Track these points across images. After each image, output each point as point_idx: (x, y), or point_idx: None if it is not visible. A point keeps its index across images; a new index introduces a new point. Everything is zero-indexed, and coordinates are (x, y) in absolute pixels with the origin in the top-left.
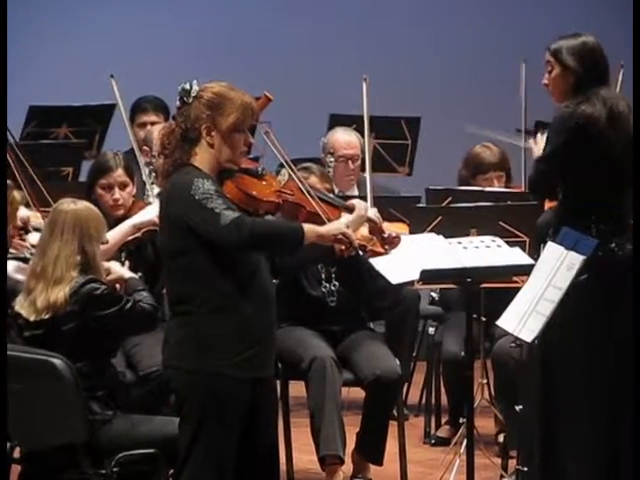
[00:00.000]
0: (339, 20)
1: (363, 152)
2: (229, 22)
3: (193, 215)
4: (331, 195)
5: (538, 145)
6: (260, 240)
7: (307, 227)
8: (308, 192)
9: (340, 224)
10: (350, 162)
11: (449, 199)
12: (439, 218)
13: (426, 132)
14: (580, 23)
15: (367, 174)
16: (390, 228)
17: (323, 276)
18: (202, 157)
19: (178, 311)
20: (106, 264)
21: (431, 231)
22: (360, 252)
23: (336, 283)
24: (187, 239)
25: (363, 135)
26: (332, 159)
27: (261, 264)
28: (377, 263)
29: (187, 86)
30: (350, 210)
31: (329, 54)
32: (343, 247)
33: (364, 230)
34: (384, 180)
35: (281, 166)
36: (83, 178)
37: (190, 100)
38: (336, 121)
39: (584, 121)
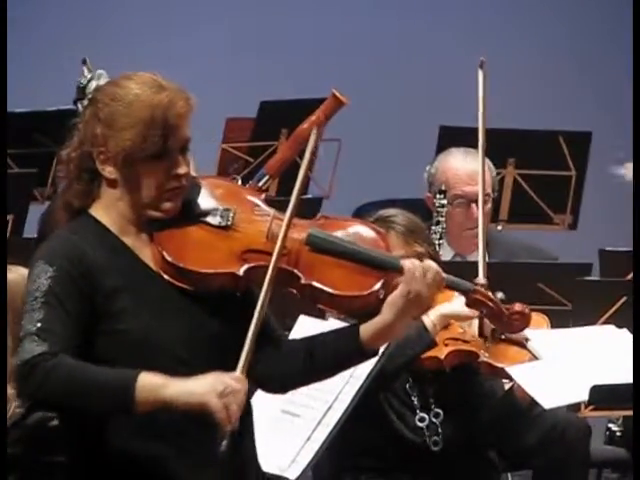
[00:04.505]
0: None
1: (493, 190)
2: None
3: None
4: (372, 249)
5: None
6: (57, 400)
7: (145, 382)
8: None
9: (206, 385)
10: (474, 206)
11: None
12: (623, 299)
13: (595, 158)
14: None
15: (479, 221)
16: None
17: (416, 401)
18: (104, 201)
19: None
20: None
21: (609, 321)
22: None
23: (439, 411)
24: None
25: (494, 161)
26: (444, 201)
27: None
28: (517, 374)
29: (84, 81)
30: (399, 273)
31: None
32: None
33: (476, 327)
34: (530, 235)
35: None
36: (31, 232)
37: (84, 105)
38: (451, 137)
39: None
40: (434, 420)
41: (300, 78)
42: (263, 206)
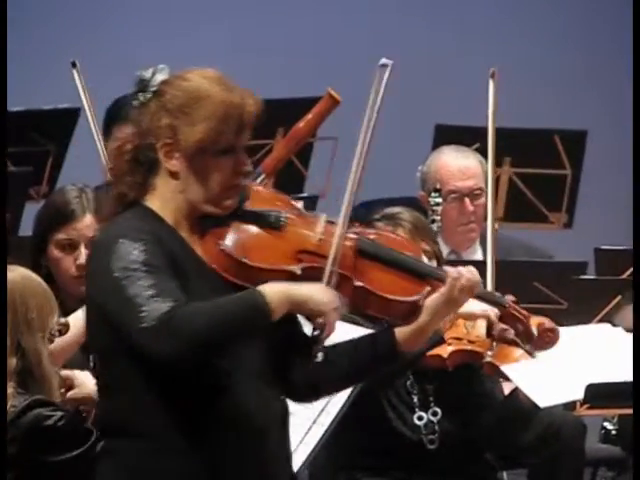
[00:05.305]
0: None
1: (486, 185)
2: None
3: (110, 302)
4: (416, 258)
5: None
6: (208, 339)
7: (270, 290)
8: (370, 252)
9: (330, 296)
10: (468, 200)
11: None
12: (617, 298)
13: (591, 156)
14: None
15: (488, 222)
16: None
17: (416, 399)
18: (162, 193)
19: (104, 448)
20: (65, 372)
21: (604, 320)
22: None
23: (437, 410)
24: (109, 336)
25: (487, 158)
26: (439, 199)
27: (242, 370)
28: (513, 373)
29: (147, 74)
30: (441, 283)
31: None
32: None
33: (480, 328)
34: (526, 235)
35: None
36: (26, 231)
37: (148, 97)
38: (445, 136)
39: None
40: (432, 418)
41: (297, 77)
42: (304, 210)
